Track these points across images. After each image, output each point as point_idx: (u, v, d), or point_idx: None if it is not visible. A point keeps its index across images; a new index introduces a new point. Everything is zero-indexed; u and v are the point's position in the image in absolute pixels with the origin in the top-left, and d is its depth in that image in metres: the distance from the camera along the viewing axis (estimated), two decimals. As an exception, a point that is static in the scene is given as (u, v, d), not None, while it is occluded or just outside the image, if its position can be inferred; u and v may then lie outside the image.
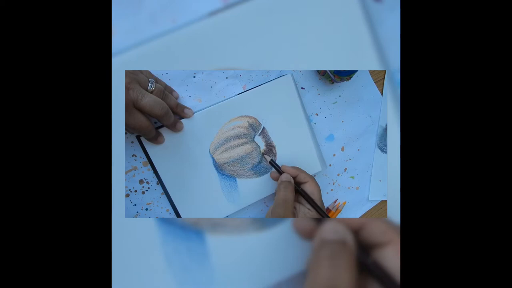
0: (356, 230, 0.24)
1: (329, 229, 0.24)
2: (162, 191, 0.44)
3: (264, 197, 0.46)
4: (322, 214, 0.39)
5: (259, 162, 0.45)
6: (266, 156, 0.45)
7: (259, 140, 0.45)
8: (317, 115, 0.48)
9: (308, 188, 0.41)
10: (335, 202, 0.50)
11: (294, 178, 0.41)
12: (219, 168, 0.44)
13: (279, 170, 0.43)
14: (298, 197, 0.41)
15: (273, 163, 0.44)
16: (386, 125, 0.51)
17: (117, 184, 0.34)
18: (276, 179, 0.43)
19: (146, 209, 0.44)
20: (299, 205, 0.41)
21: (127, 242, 0.34)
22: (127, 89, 0.33)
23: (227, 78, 0.44)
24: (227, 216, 0.45)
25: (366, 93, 0.50)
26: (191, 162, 0.43)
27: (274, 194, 0.45)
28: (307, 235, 0.26)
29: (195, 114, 0.43)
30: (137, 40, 0.36)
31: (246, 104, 0.44)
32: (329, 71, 0.43)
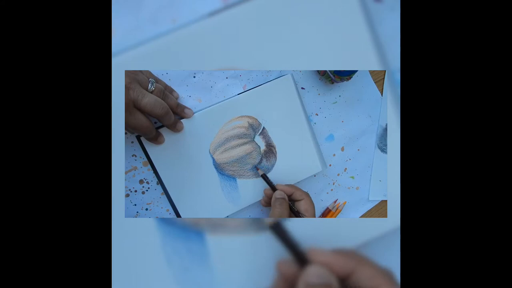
0: (344, 277, 0.24)
1: (313, 273, 0.24)
2: (162, 191, 0.44)
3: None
4: None
5: (259, 163, 0.45)
6: (260, 170, 0.44)
7: (259, 140, 0.45)
8: (317, 115, 0.48)
9: (303, 205, 0.41)
10: (335, 202, 0.50)
11: (289, 196, 0.42)
12: (219, 168, 0.44)
13: (272, 186, 0.43)
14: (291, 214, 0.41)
15: (265, 178, 0.43)
16: (386, 125, 0.51)
17: (117, 184, 0.34)
18: (269, 196, 0.43)
19: (146, 209, 0.44)
20: None
21: (127, 242, 0.34)
22: (127, 89, 0.33)
23: (227, 78, 0.44)
24: (227, 216, 0.45)
25: (366, 93, 0.50)
26: (191, 162, 0.43)
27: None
28: (289, 278, 0.26)
29: (195, 114, 0.43)
30: (137, 40, 0.36)
31: (246, 104, 0.44)
32: (329, 71, 0.43)
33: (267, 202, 0.44)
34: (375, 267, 0.25)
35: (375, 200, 0.52)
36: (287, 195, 0.41)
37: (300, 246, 0.27)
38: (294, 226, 0.36)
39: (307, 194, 0.42)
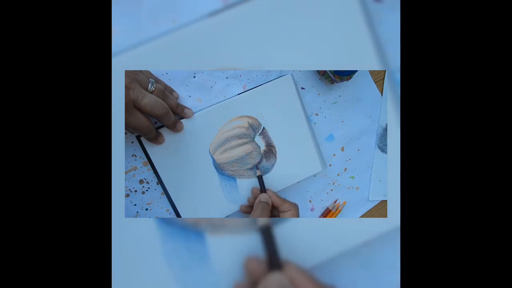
0: None
1: (273, 280, 0.25)
2: (162, 191, 0.44)
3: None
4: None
5: (259, 162, 0.45)
6: (258, 171, 0.44)
7: (259, 140, 0.45)
8: (317, 115, 0.48)
9: (287, 216, 0.40)
10: (335, 202, 0.50)
11: (277, 207, 0.41)
12: (219, 168, 0.44)
13: (263, 189, 0.43)
14: None
15: (260, 180, 0.43)
16: (386, 125, 0.51)
17: (117, 184, 0.34)
18: (256, 195, 0.42)
19: (146, 209, 0.44)
20: None
21: (127, 242, 0.34)
22: (127, 89, 0.33)
23: (227, 78, 0.44)
24: (227, 216, 0.45)
25: (366, 93, 0.50)
26: (191, 162, 0.43)
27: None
28: (255, 277, 0.27)
29: (195, 114, 0.43)
30: (137, 40, 0.36)
31: (246, 104, 0.44)
32: (329, 71, 0.43)
33: (249, 208, 0.43)
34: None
35: (375, 200, 0.52)
36: (273, 205, 0.41)
37: (280, 254, 0.29)
38: (294, 226, 0.36)
39: (295, 207, 0.41)
